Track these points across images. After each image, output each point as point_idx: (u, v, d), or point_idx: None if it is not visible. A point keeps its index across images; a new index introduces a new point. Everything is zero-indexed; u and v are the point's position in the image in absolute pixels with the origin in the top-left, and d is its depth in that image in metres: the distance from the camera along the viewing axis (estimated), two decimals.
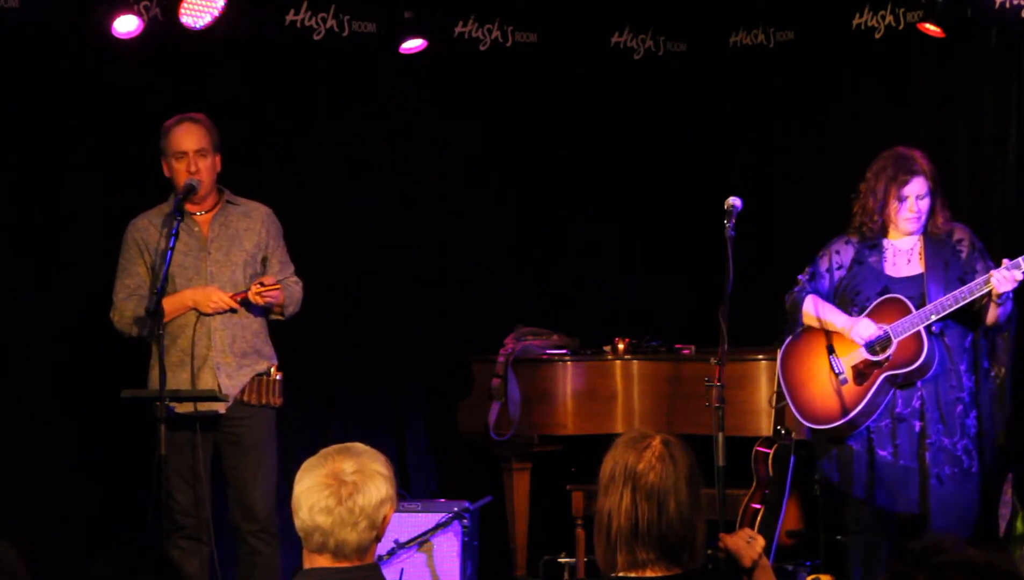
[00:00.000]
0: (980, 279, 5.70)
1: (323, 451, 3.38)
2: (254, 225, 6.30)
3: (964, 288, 5.71)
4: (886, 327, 5.83)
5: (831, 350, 5.95)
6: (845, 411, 5.88)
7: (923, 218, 5.90)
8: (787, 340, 6.16)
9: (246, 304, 6.16)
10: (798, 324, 6.09)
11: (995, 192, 7.06)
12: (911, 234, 5.94)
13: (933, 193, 5.89)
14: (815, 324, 6.02)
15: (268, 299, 6.15)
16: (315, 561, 3.35)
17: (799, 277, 6.13)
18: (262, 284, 6.11)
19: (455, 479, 7.75)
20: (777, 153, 7.99)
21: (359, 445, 3.41)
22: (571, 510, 7.34)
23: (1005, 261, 5.69)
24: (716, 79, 8.13)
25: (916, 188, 5.87)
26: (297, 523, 3.34)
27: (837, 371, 5.92)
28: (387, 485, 3.35)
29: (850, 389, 5.90)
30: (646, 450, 3.62)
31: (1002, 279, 5.63)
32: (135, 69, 6.77)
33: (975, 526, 5.87)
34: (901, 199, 5.87)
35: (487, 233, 7.94)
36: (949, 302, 5.73)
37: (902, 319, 5.81)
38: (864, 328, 5.85)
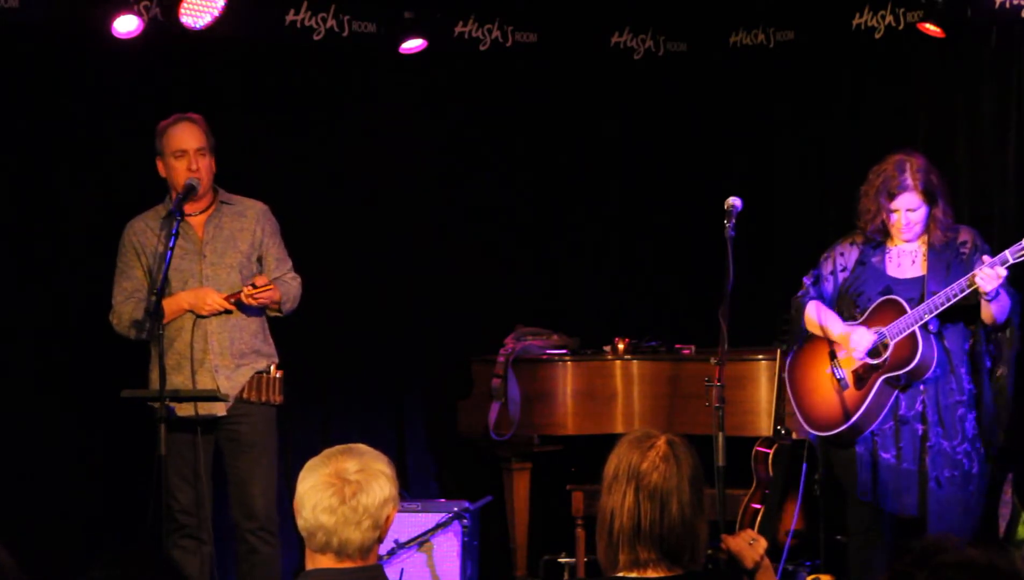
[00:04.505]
0: (965, 277, 5.70)
1: (326, 451, 3.38)
2: (248, 224, 6.29)
3: (953, 285, 5.70)
4: (882, 330, 5.82)
5: (832, 356, 5.95)
6: (847, 417, 5.87)
7: (916, 228, 5.88)
8: (793, 350, 6.15)
9: (240, 304, 6.16)
10: (801, 330, 6.09)
11: (995, 192, 7.06)
12: (907, 242, 5.93)
13: (930, 203, 5.87)
14: (817, 331, 6.02)
15: (261, 300, 6.14)
16: (318, 561, 3.35)
17: (804, 279, 6.12)
18: (254, 285, 6.10)
19: (455, 479, 7.75)
20: (777, 153, 7.99)
21: (361, 445, 3.40)
22: (571, 510, 7.34)
23: (986, 257, 5.68)
24: (716, 79, 8.13)
25: (905, 202, 5.85)
26: (300, 523, 3.34)
27: (839, 377, 5.92)
28: (390, 485, 3.35)
29: (851, 394, 5.89)
30: (650, 450, 3.61)
31: (985, 277, 5.62)
32: (135, 69, 6.77)
33: (977, 529, 5.86)
34: (890, 212, 5.88)
35: (487, 233, 7.94)
36: (940, 301, 5.72)
37: (897, 320, 5.80)
38: (860, 339, 5.84)
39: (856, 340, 5.84)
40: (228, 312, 6.16)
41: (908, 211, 5.85)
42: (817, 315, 6.01)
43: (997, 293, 5.67)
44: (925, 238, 5.92)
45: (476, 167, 7.93)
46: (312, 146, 7.43)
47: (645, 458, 3.60)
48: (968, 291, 5.68)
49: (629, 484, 3.59)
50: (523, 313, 7.73)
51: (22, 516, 6.42)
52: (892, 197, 5.83)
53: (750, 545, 3.92)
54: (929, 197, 5.85)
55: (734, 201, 5.78)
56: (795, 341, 6.16)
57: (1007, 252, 5.62)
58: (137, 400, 6.03)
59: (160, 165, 6.21)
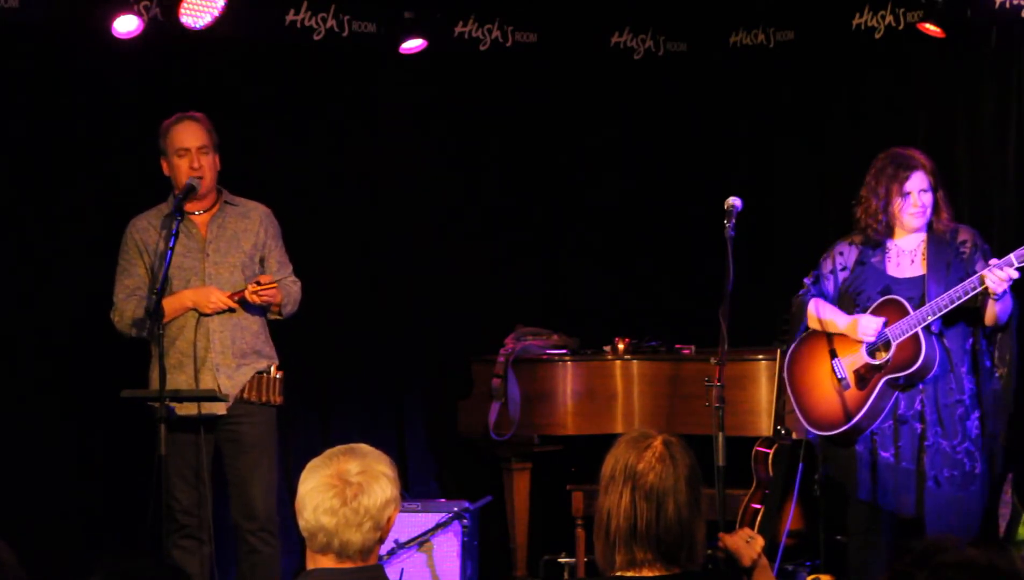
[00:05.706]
0: (974, 278, 5.70)
1: (328, 452, 3.38)
2: (252, 225, 6.30)
3: (959, 287, 5.70)
4: (883, 331, 5.82)
5: (833, 355, 5.94)
6: (848, 417, 5.86)
7: (928, 212, 5.89)
8: (791, 346, 6.15)
9: (243, 303, 6.16)
10: (802, 328, 6.09)
11: (995, 192, 7.06)
12: (917, 230, 5.92)
13: (935, 188, 5.89)
14: (818, 327, 6.02)
15: (264, 298, 6.14)
16: (319, 562, 3.35)
17: (804, 280, 6.12)
18: (259, 282, 6.11)
19: (455, 479, 7.75)
20: (777, 153, 7.99)
21: (364, 446, 3.41)
22: (571, 510, 7.35)
23: (993, 260, 5.68)
24: (716, 79, 8.13)
25: (917, 182, 5.86)
26: (301, 523, 3.34)
27: (840, 376, 5.91)
28: (392, 486, 3.35)
29: (852, 394, 5.89)
30: (647, 450, 3.61)
31: (995, 280, 5.62)
32: (135, 69, 6.77)
33: (977, 529, 5.85)
34: (904, 195, 5.87)
35: (487, 233, 7.94)
36: (945, 302, 5.72)
37: (900, 321, 5.80)
38: (867, 325, 5.83)
39: (864, 325, 5.83)
40: (231, 310, 6.16)
41: (921, 192, 5.85)
42: (818, 310, 6.01)
43: (1005, 293, 5.68)
44: (925, 238, 5.93)
45: (476, 167, 7.93)
46: (312, 146, 7.43)
47: (641, 459, 3.60)
48: (973, 293, 5.68)
49: (626, 485, 3.59)
50: (523, 313, 7.73)
51: (22, 516, 6.41)
52: (905, 180, 5.83)
53: (747, 543, 3.92)
54: (934, 178, 5.87)
55: (734, 201, 5.78)
56: (795, 339, 6.16)
57: (1012, 255, 5.63)
58: (137, 400, 6.03)
59: (164, 164, 6.22)
